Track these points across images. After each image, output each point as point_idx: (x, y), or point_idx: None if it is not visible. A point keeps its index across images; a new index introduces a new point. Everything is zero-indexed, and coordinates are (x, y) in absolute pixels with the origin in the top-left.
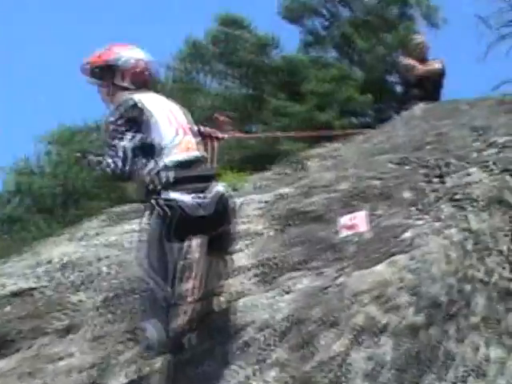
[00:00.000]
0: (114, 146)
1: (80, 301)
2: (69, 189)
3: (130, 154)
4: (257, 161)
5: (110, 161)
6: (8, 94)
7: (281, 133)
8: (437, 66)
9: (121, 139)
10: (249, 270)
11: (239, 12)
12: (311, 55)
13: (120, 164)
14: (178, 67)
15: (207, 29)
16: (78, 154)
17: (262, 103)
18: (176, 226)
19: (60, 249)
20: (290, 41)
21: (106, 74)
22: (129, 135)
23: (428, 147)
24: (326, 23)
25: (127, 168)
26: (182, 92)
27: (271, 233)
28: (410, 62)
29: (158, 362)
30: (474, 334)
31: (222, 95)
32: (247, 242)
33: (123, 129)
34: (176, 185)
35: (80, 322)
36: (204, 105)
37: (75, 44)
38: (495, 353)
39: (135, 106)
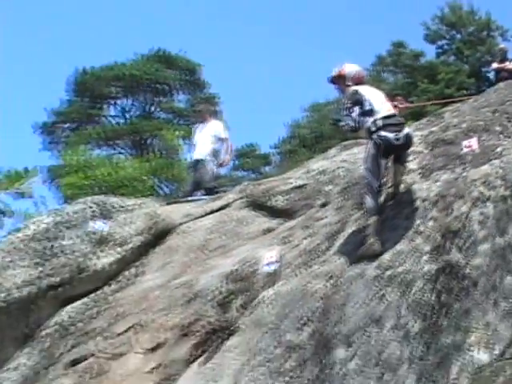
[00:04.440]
0: (349, 115)
1: (330, 190)
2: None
3: (357, 118)
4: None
5: (349, 122)
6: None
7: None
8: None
9: (351, 111)
10: (414, 171)
11: None
12: None
13: (353, 124)
14: None
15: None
16: (331, 121)
17: None
18: (383, 150)
19: (320, 163)
20: None
21: (341, 79)
22: (355, 108)
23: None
24: None
25: (357, 125)
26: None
27: (425, 151)
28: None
29: (373, 219)
30: None
31: None
32: (413, 157)
33: (352, 105)
34: (383, 128)
35: (330, 200)
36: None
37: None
38: None
39: (356, 92)
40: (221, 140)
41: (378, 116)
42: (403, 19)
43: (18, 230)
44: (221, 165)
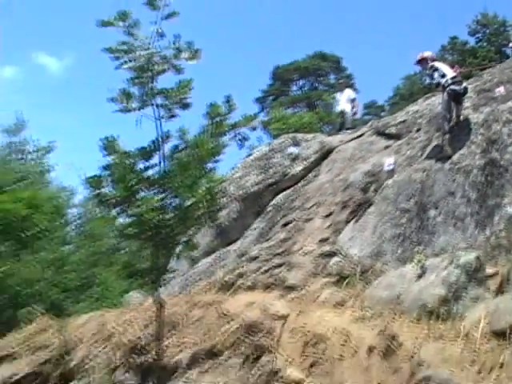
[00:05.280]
0: (432, 77)
1: (420, 121)
2: None
3: (437, 79)
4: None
5: (434, 82)
6: None
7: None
8: None
9: (433, 75)
10: (468, 107)
11: None
12: None
13: (436, 82)
14: None
15: None
16: (422, 85)
17: None
18: (452, 96)
19: (414, 107)
20: None
21: (423, 61)
22: (435, 73)
23: None
24: None
25: (438, 83)
26: None
27: (474, 96)
28: None
29: (447, 136)
30: None
31: None
32: (467, 100)
33: (433, 72)
34: (452, 84)
35: (421, 127)
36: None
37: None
38: None
39: (433, 66)
40: (351, 100)
41: (448, 77)
42: (456, 22)
43: (250, 154)
44: (354, 114)
